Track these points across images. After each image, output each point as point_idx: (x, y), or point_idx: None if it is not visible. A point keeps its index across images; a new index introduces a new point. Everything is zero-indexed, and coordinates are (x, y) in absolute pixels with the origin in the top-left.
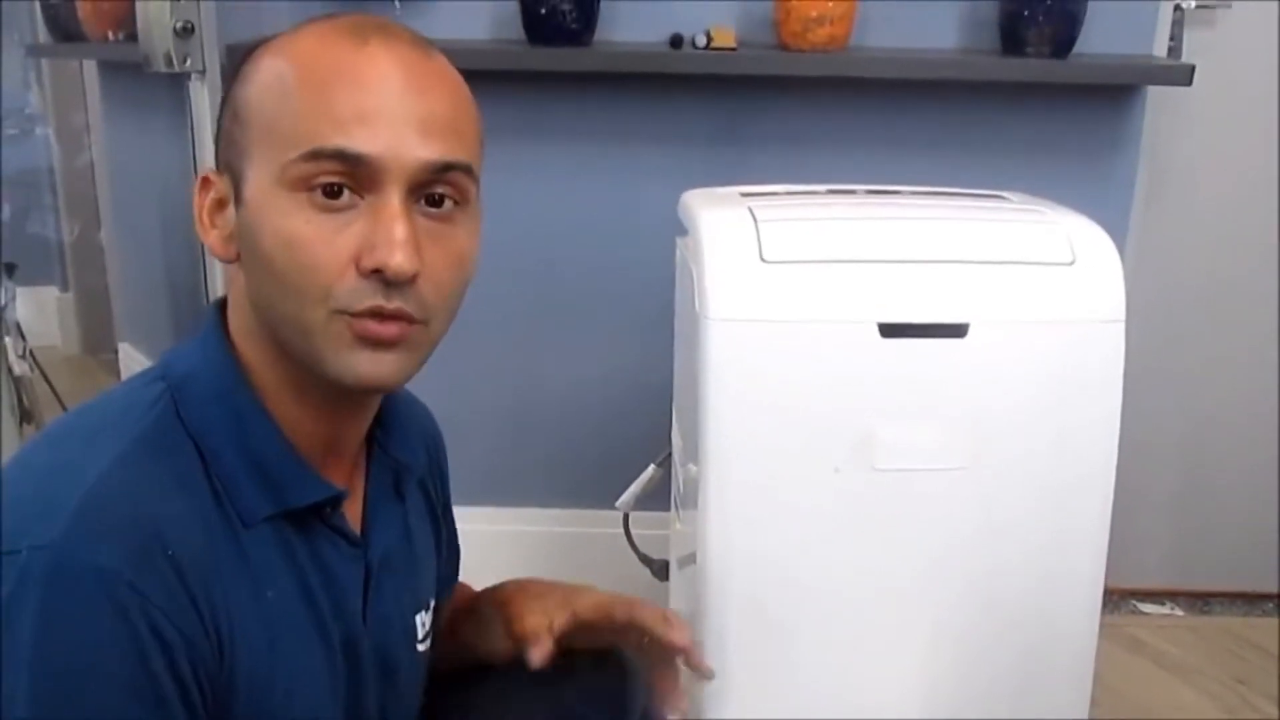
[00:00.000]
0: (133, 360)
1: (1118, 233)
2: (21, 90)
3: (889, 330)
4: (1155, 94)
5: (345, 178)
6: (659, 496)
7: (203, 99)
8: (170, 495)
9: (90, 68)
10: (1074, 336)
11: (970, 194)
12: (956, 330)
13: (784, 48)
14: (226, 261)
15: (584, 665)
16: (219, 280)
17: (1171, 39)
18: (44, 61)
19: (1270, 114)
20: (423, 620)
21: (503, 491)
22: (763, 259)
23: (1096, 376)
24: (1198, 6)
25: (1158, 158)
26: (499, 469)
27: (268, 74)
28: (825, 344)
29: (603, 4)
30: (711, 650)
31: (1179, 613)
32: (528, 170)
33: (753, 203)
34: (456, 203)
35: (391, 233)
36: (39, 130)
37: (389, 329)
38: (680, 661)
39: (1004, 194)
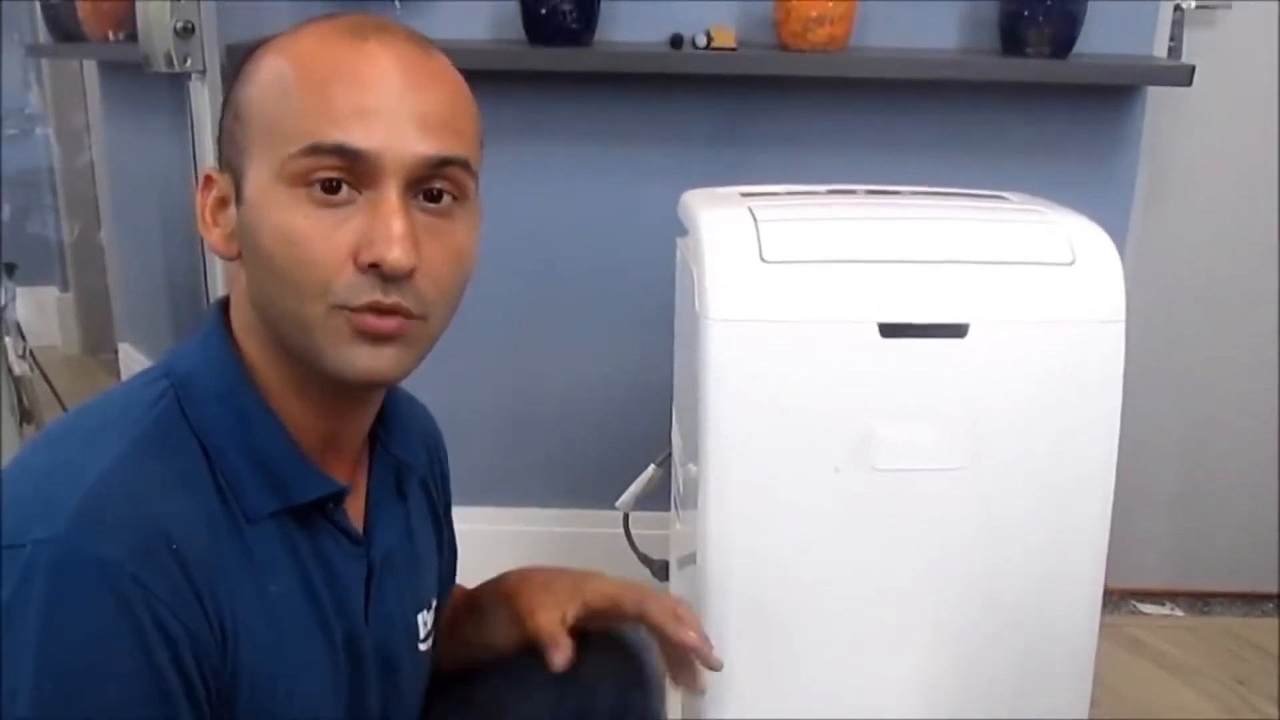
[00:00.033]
0: (133, 360)
1: (1118, 233)
2: (21, 90)
3: (889, 330)
4: (1155, 94)
5: (344, 173)
6: (659, 496)
7: (203, 99)
8: (173, 492)
9: (90, 68)
10: (1074, 336)
11: (970, 194)
12: (956, 330)
13: (784, 48)
14: (228, 259)
15: (594, 646)
16: (219, 280)
17: (1171, 39)
18: (44, 61)
19: (1270, 114)
20: (424, 620)
21: (503, 491)
22: (763, 259)
23: (1096, 376)
24: (1198, 6)
25: (1158, 158)
26: (499, 469)
27: (268, 73)
28: (825, 344)
29: (603, 4)
30: None
31: (1179, 613)
32: (528, 170)
33: (753, 203)
34: (455, 198)
35: (389, 227)
36: (39, 130)
37: (387, 323)
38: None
39: (1004, 194)
